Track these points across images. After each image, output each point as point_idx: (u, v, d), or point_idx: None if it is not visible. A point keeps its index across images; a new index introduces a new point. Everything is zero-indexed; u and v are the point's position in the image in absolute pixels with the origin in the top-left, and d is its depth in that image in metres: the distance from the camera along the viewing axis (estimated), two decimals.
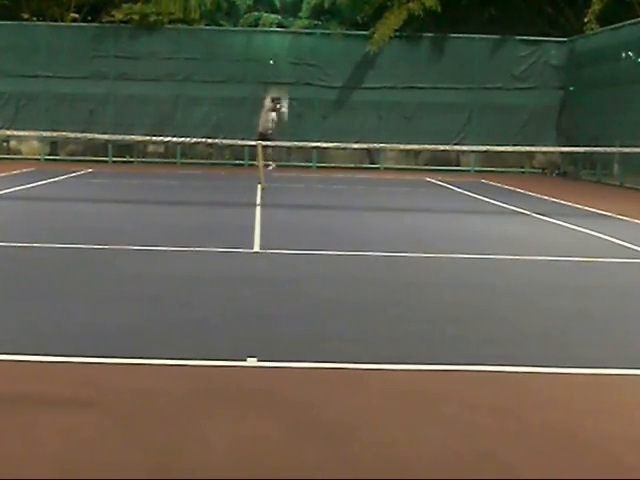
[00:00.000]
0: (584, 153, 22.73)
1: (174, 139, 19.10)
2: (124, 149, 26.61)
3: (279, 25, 27.38)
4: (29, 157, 26.26)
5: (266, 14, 27.53)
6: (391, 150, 25.60)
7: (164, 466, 3.40)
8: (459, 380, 4.69)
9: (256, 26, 27.09)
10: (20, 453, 3.49)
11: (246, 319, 5.98)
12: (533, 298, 7.09)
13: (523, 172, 26.90)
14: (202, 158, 26.92)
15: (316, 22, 27.60)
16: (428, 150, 24.04)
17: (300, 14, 27.75)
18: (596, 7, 23.31)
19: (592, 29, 23.85)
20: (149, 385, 4.43)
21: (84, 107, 25.51)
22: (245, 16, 27.51)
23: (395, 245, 9.87)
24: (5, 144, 27.30)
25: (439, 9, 24.75)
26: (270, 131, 21.13)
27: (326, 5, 26.74)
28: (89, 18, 27.80)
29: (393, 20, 25.13)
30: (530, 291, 7.41)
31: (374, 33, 25.27)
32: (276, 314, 6.17)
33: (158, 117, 25.42)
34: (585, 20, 23.76)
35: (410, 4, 25.06)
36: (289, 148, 25.13)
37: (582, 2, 25.27)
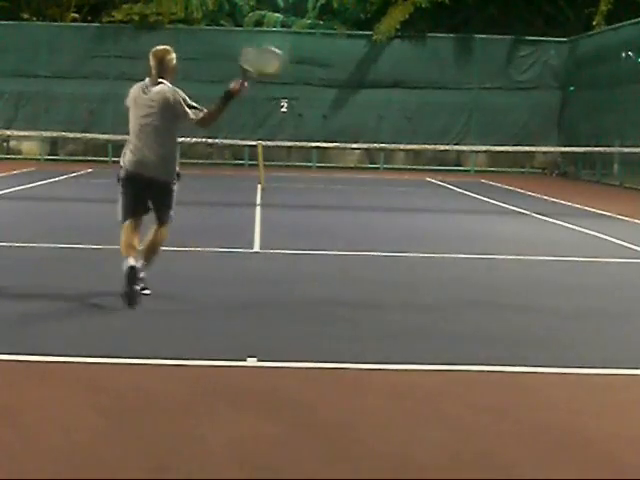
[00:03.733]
0: (584, 153, 22.72)
1: None
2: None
3: (282, 24, 27.38)
4: (29, 157, 26.25)
5: (270, 13, 27.54)
6: (391, 150, 25.59)
7: (164, 466, 3.40)
8: (459, 380, 4.69)
9: (260, 25, 27.09)
10: (20, 453, 3.49)
11: (246, 319, 5.98)
12: (533, 298, 7.09)
13: (523, 172, 26.89)
14: (202, 158, 26.91)
15: (318, 22, 27.59)
16: (428, 150, 24.05)
17: (308, 14, 27.75)
18: (603, 7, 23.28)
19: (600, 29, 23.82)
20: (149, 385, 4.43)
21: (84, 107, 25.51)
22: (249, 15, 27.52)
23: (395, 245, 9.86)
24: (5, 144, 27.31)
25: (446, 0, 24.67)
26: None
27: (335, 4, 26.72)
28: (89, 18, 27.82)
29: (399, 13, 25.13)
30: (530, 291, 7.41)
31: (380, 25, 25.28)
32: (276, 314, 6.17)
33: None
34: (594, 23, 23.72)
35: None
36: (289, 148, 25.14)
37: (582, 2, 25.27)
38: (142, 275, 6.23)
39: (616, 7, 23.07)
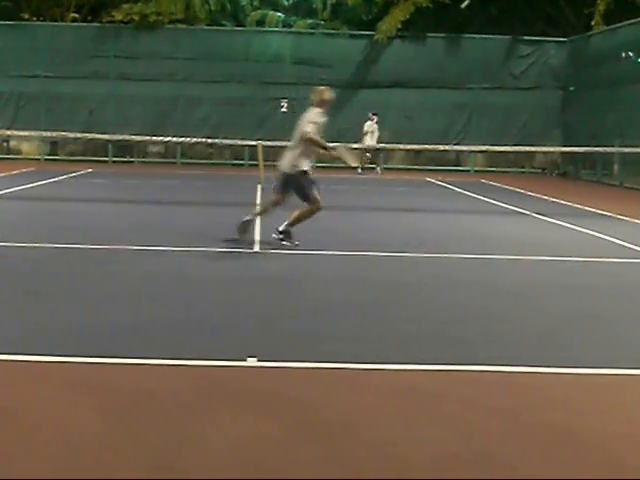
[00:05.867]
0: (584, 153, 22.72)
1: (174, 139, 19.10)
2: (124, 149, 26.62)
3: (284, 24, 27.38)
4: (29, 157, 26.27)
5: (271, 13, 27.56)
6: (391, 150, 25.57)
7: (164, 466, 3.40)
8: (459, 380, 4.69)
9: (262, 24, 27.10)
10: (20, 453, 3.49)
11: (246, 319, 5.98)
12: (533, 298, 7.09)
13: (523, 172, 26.90)
14: (202, 158, 26.93)
15: (319, 22, 27.59)
16: (428, 150, 24.04)
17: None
18: (601, 7, 23.29)
19: (599, 29, 23.83)
20: (149, 385, 4.43)
21: (84, 107, 25.52)
22: (251, 14, 27.53)
23: (395, 245, 9.86)
24: (5, 144, 27.31)
25: None
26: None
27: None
28: (89, 18, 27.82)
29: (399, 13, 25.16)
30: (530, 291, 7.41)
31: (382, 25, 25.30)
32: (276, 314, 6.17)
33: (158, 117, 25.42)
34: (592, 23, 23.73)
35: None
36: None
37: (582, 2, 25.26)
38: (289, 229, 9.35)
39: (615, 7, 23.08)
